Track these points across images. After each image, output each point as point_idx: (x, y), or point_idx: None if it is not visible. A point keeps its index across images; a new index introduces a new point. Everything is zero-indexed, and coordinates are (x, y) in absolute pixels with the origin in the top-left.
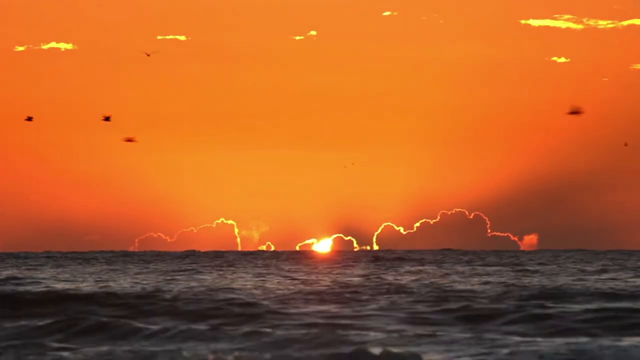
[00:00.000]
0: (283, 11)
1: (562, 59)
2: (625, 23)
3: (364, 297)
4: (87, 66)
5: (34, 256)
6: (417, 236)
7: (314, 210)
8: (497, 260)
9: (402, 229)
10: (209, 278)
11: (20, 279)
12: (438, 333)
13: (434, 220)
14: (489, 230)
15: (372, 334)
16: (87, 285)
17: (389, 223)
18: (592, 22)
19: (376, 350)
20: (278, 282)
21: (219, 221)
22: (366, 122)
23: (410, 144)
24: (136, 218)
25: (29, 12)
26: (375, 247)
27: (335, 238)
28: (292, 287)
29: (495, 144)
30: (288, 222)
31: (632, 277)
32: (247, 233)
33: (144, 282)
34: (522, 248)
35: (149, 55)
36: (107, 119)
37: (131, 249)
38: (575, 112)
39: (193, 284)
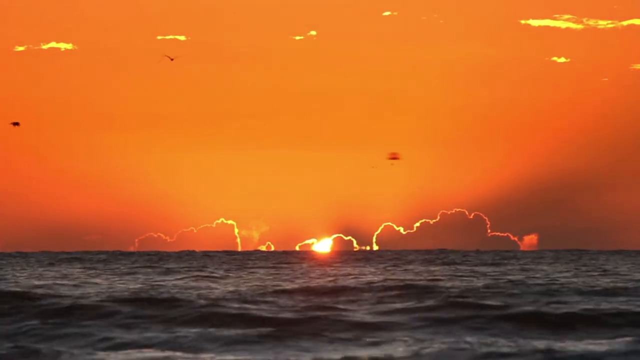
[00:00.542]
0: (283, 11)
1: (562, 59)
2: (625, 23)
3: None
4: (87, 66)
5: (7, 256)
6: (417, 236)
7: (314, 210)
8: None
9: (402, 229)
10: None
11: None
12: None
13: (434, 220)
14: (489, 230)
15: None
16: None
17: (389, 223)
18: (592, 22)
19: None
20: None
21: (219, 221)
22: (366, 122)
23: (410, 144)
24: (136, 218)
25: (29, 12)
26: (375, 247)
27: (335, 238)
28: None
29: (495, 143)
30: (288, 222)
31: None
32: (247, 233)
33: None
34: (522, 248)
35: (172, 60)
36: (15, 124)
37: (131, 249)
38: (394, 157)
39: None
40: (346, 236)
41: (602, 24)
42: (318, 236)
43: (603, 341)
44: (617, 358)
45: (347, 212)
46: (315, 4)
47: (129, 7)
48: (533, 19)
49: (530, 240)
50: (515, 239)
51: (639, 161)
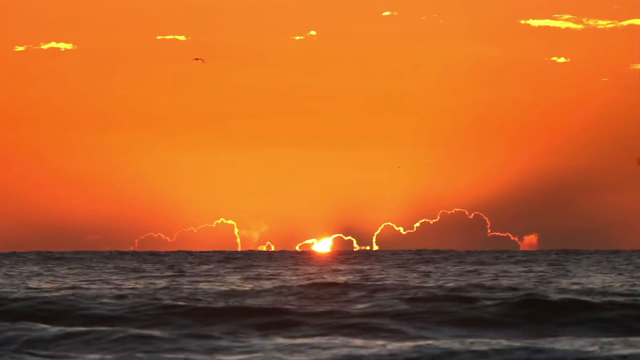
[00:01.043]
0: (283, 11)
1: (562, 59)
2: (625, 23)
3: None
4: (86, 66)
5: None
6: (417, 236)
7: (314, 210)
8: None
9: (402, 229)
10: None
11: None
12: None
13: (434, 220)
14: (489, 230)
15: None
16: None
17: (389, 223)
18: (591, 22)
19: None
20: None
21: (219, 221)
22: (366, 122)
23: (410, 144)
24: (136, 218)
25: (29, 12)
26: (375, 247)
27: (335, 238)
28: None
29: (495, 144)
30: (288, 222)
31: None
32: (247, 233)
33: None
34: (522, 248)
35: (204, 62)
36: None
37: (131, 249)
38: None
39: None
40: (346, 236)
41: (602, 24)
42: (318, 236)
43: None
44: None
45: (347, 212)
46: (315, 4)
47: (128, 7)
48: (533, 19)
49: (530, 240)
50: (516, 239)
51: None
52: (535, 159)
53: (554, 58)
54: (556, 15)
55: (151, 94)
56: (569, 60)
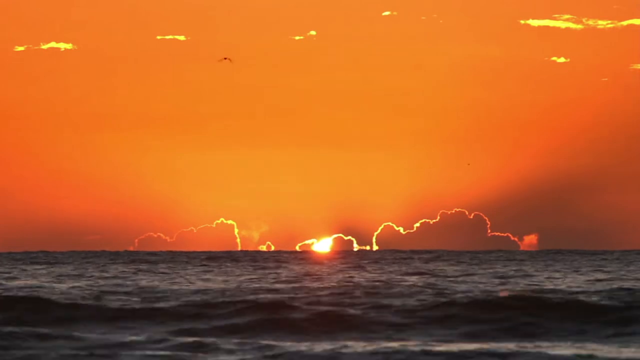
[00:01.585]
0: (283, 11)
1: (562, 59)
2: (625, 23)
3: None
4: (86, 66)
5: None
6: (417, 236)
7: (314, 210)
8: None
9: (402, 229)
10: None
11: None
12: None
13: (434, 220)
14: (489, 231)
15: None
16: None
17: (389, 223)
18: (591, 22)
19: None
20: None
21: (219, 221)
22: (366, 122)
23: (411, 144)
24: (136, 218)
25: (29, 12)
26: (375, 247)
27: (335, 238)
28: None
29: (495, 144)
30: (288, 222)
31: None
32: (247, 233)
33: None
34: (522, 248)
35: (231, 61)
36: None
37: (131, 248)
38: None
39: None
40: (346, 236)
41: (602, 24)
42: (318, 236)
43: None
44: None
45: (347, 212)
46: (315, 4)
47: (128, 7)
48: (533, 19)
49: (530, 240)
50: (516, 239)
51: (639, 161)
52: (535, 159)
53: (554, 58)
54: (556, 15)
55: (151, 94)
56: (569, 60)
